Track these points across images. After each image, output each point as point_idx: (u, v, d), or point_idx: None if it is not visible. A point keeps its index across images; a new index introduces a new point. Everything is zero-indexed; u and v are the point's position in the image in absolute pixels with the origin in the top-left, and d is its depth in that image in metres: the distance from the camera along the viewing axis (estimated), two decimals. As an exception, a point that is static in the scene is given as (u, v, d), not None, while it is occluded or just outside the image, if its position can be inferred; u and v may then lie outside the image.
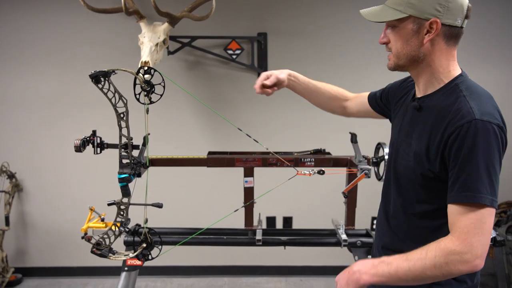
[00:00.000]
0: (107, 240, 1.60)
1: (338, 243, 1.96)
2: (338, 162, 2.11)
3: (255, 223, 2.07)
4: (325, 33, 2.92)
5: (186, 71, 2.96)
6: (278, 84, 1.51)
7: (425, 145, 1.10)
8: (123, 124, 1.49)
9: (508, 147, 1.08)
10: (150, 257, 1.73)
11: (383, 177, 1.42)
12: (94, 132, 1.59)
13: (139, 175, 1.74)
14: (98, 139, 1.58)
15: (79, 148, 1.53)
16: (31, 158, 3.03)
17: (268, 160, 2.04)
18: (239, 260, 3.19)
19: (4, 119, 2.99)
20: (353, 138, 2.00)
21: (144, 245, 1.70)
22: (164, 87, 1.59)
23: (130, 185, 1.58)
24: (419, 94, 1.20)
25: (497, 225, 2.86)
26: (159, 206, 1.58)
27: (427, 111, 1.14)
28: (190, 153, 2.21)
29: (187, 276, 3.21)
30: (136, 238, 1.73)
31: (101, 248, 1.59)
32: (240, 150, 2.18)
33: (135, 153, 1.72)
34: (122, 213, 1.58)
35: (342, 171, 2.07)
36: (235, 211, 1.87)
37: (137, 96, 1.56)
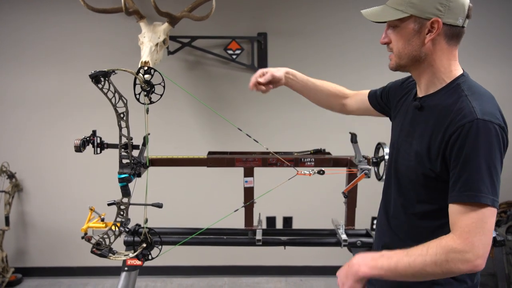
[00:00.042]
0: (107, 240, 1.60)
1: (338, 243, 1.96)
2: (338, 162, 2.11)
3: (255, 223, 2.07)
4: (325, 33, 2.92)
5: (186, 71, 2.96)
6: (274, 82, 1.51)
7: (426, 145, 1.10)
8: (123, 124, 1.49)
9: (509, 147, 1.08)
10: (150, 257, 1.73)
11: (383, 177, 1.42)
12: (94, 132, 1.59)
13: (139, 175, 1.74)
14: (98, 139, 1.58)
15: (79, 148, 1.53)
16: (31, 158, 3.03)
17: (268, 160, 2.04)
18: (239, 260, 3.19)
19: (4, 119, 2.99)
20: (353, 138, 2.00)
21: (144, 245, 1.70)
22: (164, 87, 1.59)
23: (130, 185, 1.58)
24: (420, 94, 1.20)
25: (497, 225, 2.86)
26: (159, 206, 1.58)
27: (429, 110, 1.14)
28: (190, 153, 2.21)
29: (187, 276, 3.21)
30: (136, 238, 1.73)
31: (101, 248, 1.59)
32: (240, 150, 2.18)
33: (135, 153, 1.72)
34: (122, 213, 1.58)
35: (342, 171, 2.07)
36: (235, 211, 1.87)
37: (137, 96, 1.56)
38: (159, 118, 2.90)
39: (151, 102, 1.60)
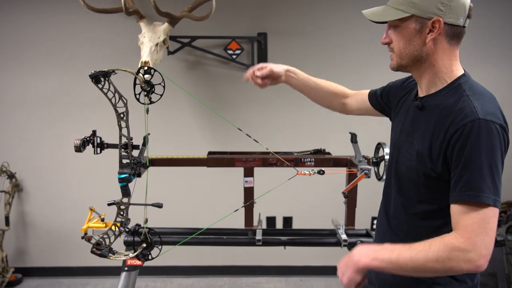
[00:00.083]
0: (107, 240, 1.60)
1: (338, 243, 1.97)
2: (338, 162, 2.11)
3: (255, 223, 2.07)
4: (325, 33, 2.92)
5: (186, 71, 2.96)
6: (273, 78, 1.50)
7: (428, 145, 1.10)
8: (123, 124, 1.49)
9: (509, 147, 1.08)
10: (150, 257, 1.73)
11: (383, 177, 1.42)
12: (94, 132, 1.59)
13: (139, 175, 1.74)
14: (98, 139, 1.58)
15: (79, 148, 1.53)
16: (31, 158, 3.03)
17: (268, 160, 2.04)
18: (239, 260, 3.19)
19: (4, 119, 2.99)
20: (353, 138, 2.00)
21: (144, 245, 1.70)
22: (164, 87, 1.59)
23: (130, 185, 1.58)
24: (421, 93, 1.20)
25: (497, 225, 2.86)
26: (159, 206, 1.58)
27: (430, 110, 1.14)
28: (190, 153, 2.22)
29: (187, 276, 3.21)
30: (136, 238, 1.73)
31: (101, 248, 1.60)
32: (240, 150, 2.18)
33: (135, 153, 1.72)
34: (122, 213, 1.58)
35: (342, 171, 2.07)
36: (235, 211, 1.87)
37: (137, 96, 1.56)
38: (159, 118, 2.90)
39: (151, 102, 1.60)
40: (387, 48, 1.19)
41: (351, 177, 1.99)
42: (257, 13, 2.89)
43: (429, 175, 1.11)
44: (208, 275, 3.21)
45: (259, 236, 1.95)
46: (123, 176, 1.56)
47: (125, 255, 1.66)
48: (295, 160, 2.05)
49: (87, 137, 1.57)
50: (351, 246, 1.93)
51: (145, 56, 2.24)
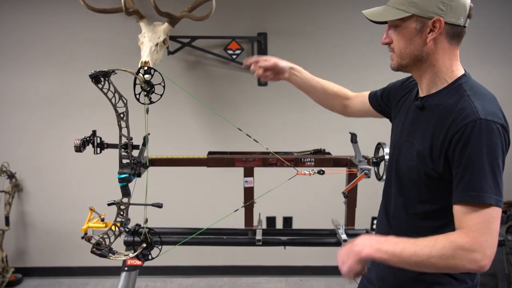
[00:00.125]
0: (107, 240, 1.60)
1: (338, 243, 1.96)
2: (338, 162, 2.11)
3: (255, 223, 2.07)
4: (325, 33, 2.92)
5: (186, 71, 2.96)
6: (276, 72, 1.49)
7: (429, 145, 1.10)
8: (123, 124, 1.49)
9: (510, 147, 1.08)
10: (150, 257, 1.73)
11: (383, 177, 1.42)
12: (94, 132, 1.59)
13: (139, 175, 1.74)
14: (98, 139, 1.58)
15: (79, 148, 1.53)
16: (31, 158, 3.03)
17: (268, 160, 2.04)
18: (239, 260, 3.19)
19: (4, 119, 2.99)
20: (353, 138, 2.00)
21: (144, 245, 1.70)
22: (164, 87, 1.59)
23: (130, 185, 1.58)
24: (422, 93, 1.20)
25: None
26: (159, 206, 1.58)
27: (430, 110, 1.14)
28: (190, 153, 2.21)
29: (187, 276, 3.21)
30: (136, 238, 1.73)
31: (101, 248, 1.60)
32: (240, 150, 2.18)
33: (135, 153, 1.72)
34: (122, 213, 1.58)
35: (342, 171, 2.07)
36: (235, 211, 1.87)
37: (137, 96, 1.56)
38: (159, 118, 2.90)
39: (151, 102, 1.60)
40: (387, 48, 1.19)
41: (351, 177, 1.99)
42: (257, 13, 2.89)
43: (430, 175, 1.11)
44: (208, 275, 3.21)
45: (259, 236, 1.95)
46: (123, 176, 1.56)
47: (125, 255, 1.66)
48: (295, 160, 2.05)
49: (87, 137, 1.57)
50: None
51: (145, 56, 2.24)
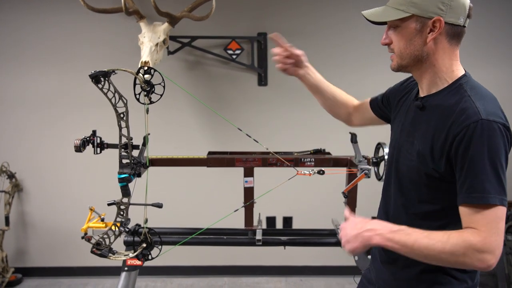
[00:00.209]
0: (107, 240, 1.61)
1: (338, 243, 1.96)
2: (338, 162, 2.11)
3: (255, 223, 2.07)
4: (325, 33, 2.92)
5: (186, 71, 2.96)
6: (296, 64, 1.48)
7: (429, 145, 1.10)
8: (123, 124, 1.49)
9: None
10: (150, 257, 1.73)
11: (383, 177, 1.41)
12: (94, 132, 1.59)
13: (139, 175, 1.74)
14: (98, 139, 1.59)
15: (79, 148, 1.53)
16: (31, 158, 3.03)
17: (268, 160, 2.04)
18: (239, 260, 3.19)
19: (4, 119, 2.99)
20: (353, 138, 2.00)
21: (144, 245, 1.71)
22: (164, 87, 1.59)
23: (130, 185, 1.58)
24: (422, 93, 1.20)
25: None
26: (159, 206, 1.58)
27: (430, 110, 1.14)
28: (190, 153, 2.22)
29: (187, 276, 3.21)
30: (136, 238, 1.73)
31: (101, 248, 1.60)
32: (240, 150, 2.18)
33: (135, 153, 1.72)
34: (122, 213, 1.58)
35: (342, 171, 2.07)
36: (235, 211, 1.87)
37: (137, 96, 1.56)
38: (159, 118, 2.90)
39: (151, 102, 1.60)
40: (387, 49, 1.19)
41: (351, 177, 1.99)
42: (257, 13, 2.89)
43: (431, 175, 1.11)
44: (208, 275, 3.21)
45: (259, 236, 1.95)
46: (123, 176, 1.56)
47: (125, 255, 1.66)
48: (295, 160, 2.05)
49: (87, 137, 1.58)
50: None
51: (145, 56, 2.24)
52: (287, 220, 2.30)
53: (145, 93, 1.58)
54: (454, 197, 1.06)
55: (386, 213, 1.31)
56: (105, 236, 1.60)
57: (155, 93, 1.60)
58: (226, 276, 3.21)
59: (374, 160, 1.98)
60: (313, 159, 2.07)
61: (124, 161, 1.58)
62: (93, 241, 1.60)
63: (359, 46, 2.91)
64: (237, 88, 2.98)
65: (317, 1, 2.88)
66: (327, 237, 2.04)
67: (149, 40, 2.32)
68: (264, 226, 2.15)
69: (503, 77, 2.97)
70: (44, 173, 3.04)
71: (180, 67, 2.94)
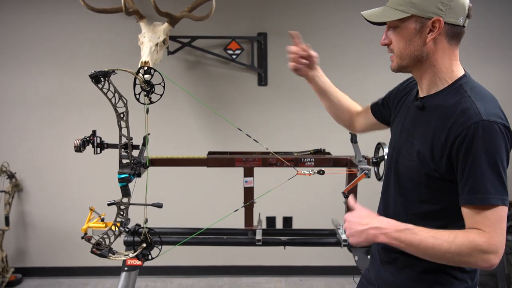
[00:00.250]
0: (107, 240, 1.61)
1: (338, 243, 1.97)
2: (338, 162, 2.11)
3: (255, 223, 2.07)
4: (325, 33, 2.92)
5: (186, 71, 2.96)
6: (309, 65, 1.49)
7: (429, 146, 1.10)
8: (123, 124, 1.49)
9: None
10: (150, 257, 1.73)
11: (383, 178, 1.41)
12: (94, 132, 1.59)
13: (139, 175, 1.74)
14: (98, 139, 1.59)
15: (79, 148, 1.53)
16: (31, 158, 3.03)
17: (268, 160, 2.04)
18: (239, 260, 3.19)
19: (4, 119, 2.99)
20: (353, 138, 2.00)
21: (144, 245, 1.71)
22: (164, 87, 1.59)
23: (130, 185, 1.58)
24: (422, 94, 1.19)
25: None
26: (159, 206, 1.58)
27: (430, 110, 1.14)
28: (190, 153, 2.22)
29: (187, 276, 3.21)
30: (136, 238, 1.73)
31: (101, 248, 1.60)
32: (240, 150, 2.18)
33: (135, 153, 1.72)
34: (122, 213, 1.58)
35: (342, 171, 2.07)
36: (235, 211, 1.87)
37: (137, 96, 1.56)
38: (159, 118, 2.90)
39: (151, 102, 1.60)
40: (387, 50, 1.19)
41: (351, 177, 1.99)
42: (257, 13, 2.89)
43: (432, 175, 1.11)
44: (208, 275, 3.21)
45: (259, 236, 1.95)
46: (123, 176, 1.56)
47: (125, 255, 1.66)
48: (295, 160, 2.05)
49: (87, 137, 1.58)
50: (351, 246, 1.93)
51: (145, 56, 2.24)
52: (287, 220, 2.30)
53: (145, 93, 1.58)
54: (454, 197, 1.06)
55: (386, 214, 1.30)
56: (105, 236, 1.60)
57: (155, 93, 1.60)
58: (226, 276, 3.21)
59: (374, 160, 1.98)
60: (313, 159, 2.07)
61: (124, 161, 1.58)
62: (93, 241, 1.60)
63: (359, 46, 2.91)
64: (237, 88, 2.98)
65: (317, 1, 2.88)
66: (327, 237, 2.04)
67: (149, 40, 2.32)
68: (264, 226, 2.15)
69: (503, 77, 2.97)
70: (44, 173, 3.04)
71: (180, 67, 2.94)
